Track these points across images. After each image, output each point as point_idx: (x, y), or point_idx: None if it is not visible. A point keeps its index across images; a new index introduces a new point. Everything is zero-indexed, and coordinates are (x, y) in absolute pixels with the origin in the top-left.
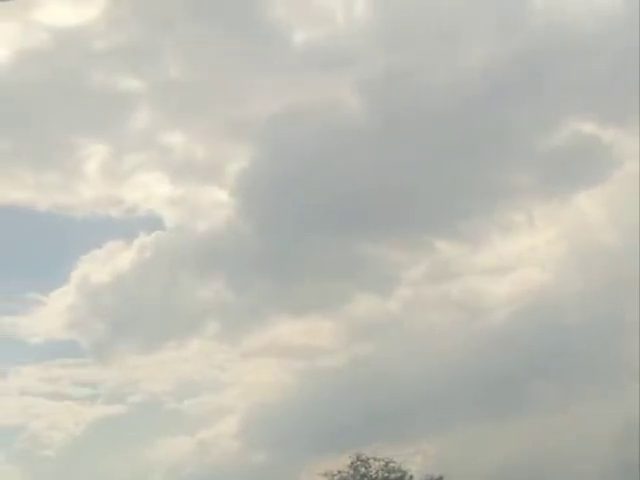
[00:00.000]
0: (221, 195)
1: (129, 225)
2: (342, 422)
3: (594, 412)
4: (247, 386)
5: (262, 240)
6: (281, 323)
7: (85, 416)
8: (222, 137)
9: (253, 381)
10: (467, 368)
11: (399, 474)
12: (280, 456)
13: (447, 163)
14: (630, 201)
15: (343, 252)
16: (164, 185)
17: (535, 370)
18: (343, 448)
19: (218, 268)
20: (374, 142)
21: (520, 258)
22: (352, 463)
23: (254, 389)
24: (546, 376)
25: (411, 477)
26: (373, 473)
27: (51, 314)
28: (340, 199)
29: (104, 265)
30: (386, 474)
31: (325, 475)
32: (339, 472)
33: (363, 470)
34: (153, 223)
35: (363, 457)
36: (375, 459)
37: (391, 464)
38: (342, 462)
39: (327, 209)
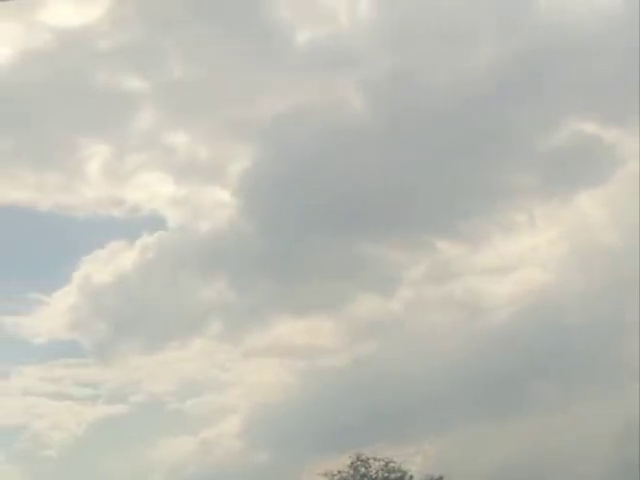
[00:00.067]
0: (223, 195)
1: (131, 225)
2: (344, 422)
3: (594, 412)
4: (249, 386)
5: (264, 240)
6: (283, 323)
7: (87, 416)
8: (225, 137)
9: (255, 381)
10: (468, 368)
11: (399, 474)
12: (282, 456)
13: (449, 163)
14: (631, 201)
15: (345, 252)
16: (167, 185)
17: (536, 370)
18: (345, 448)
19: (220, 268)
20: (376, 142)
21: (521, 258)
22: (352, 463)
23: (256, 389)
24: (547, 376)
25: (411, 477)
26: (373, 473)
27: (53, 314)
28: (342, 199)
29: (106, 265)
30: (386, 474)
31: (325, 475)
32: (339, 472)
33: (363, 470)
34: (156, 223)
35: (363, 457)
36: (375, 459)
37: (391, 464)
38: (343, 462)
39: (329, 209)
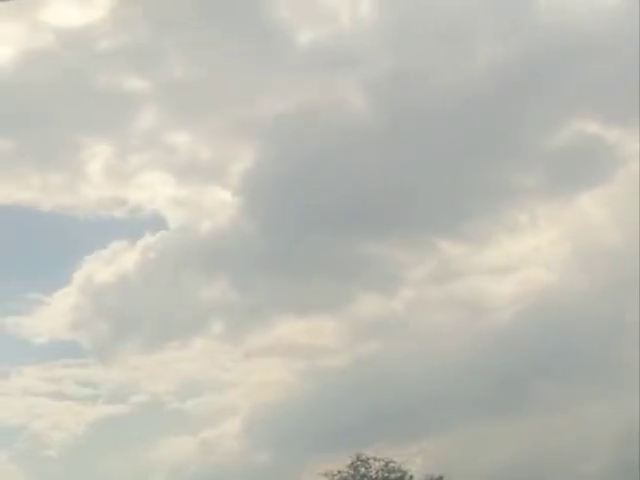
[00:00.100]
0: (225, 195)
1: (133, 225)
2: (345, 422)
3: (595, 412)
4: (250, 386)
5: (266, 240)
6: (285, 323)
7: (88, 416)
8: (227, 137)
9: (257, 381)
10: (470, 368)
11: (399, 474)
12: (283, 456)
13: (451, 163)
14: (633, 201)
15: (347, 252)
16: (168, 185)
17: (537, 370)
18: (346, 448)
19: (222, 268)
20: (378, 142)
21: (523, 258)
22: (352, 463)
23: (258, 389)
24: (548, 376)
25: (411, 477)
26: (373, 473)
27: (54, 314)
28: (344, 199)
29: (108, 265)
30: (386, 474)
31: (325, 475)
32: (339, 472)
33: (363, 470)
34: (157, 223)
35: (363, 457)
36: (375, 459)
37: (391, 464)
38: (343, 462)
39: (331, 209)
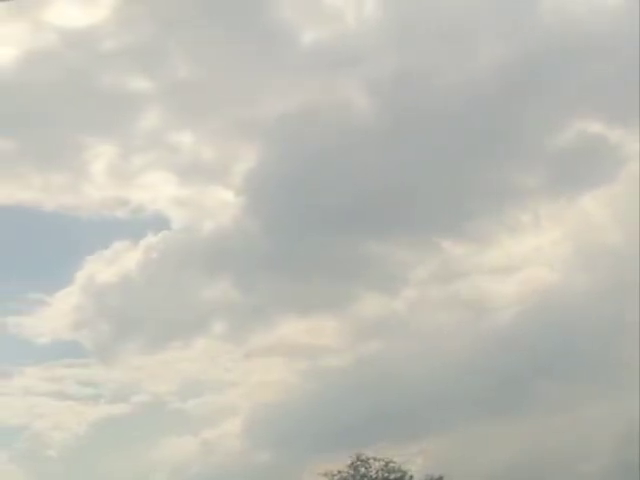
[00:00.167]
0: (228, 195)
1: (136, 225)
2: (346, 422)
3: (596, 412)
4: (253, 386)
5: (269, 240)
6: (287, 322)
7: (89, 416)
8: (230, 137)
9: (258, 381)
10: (472, 368)
11: (399, 474)
12: (284, 456)
13: (454, 163)
14: (635, 201)
15: (350, 252)
16: (171, 185)
17: (539, 370)
18: (347, 448)
19: (225, 268)
20: (382, 142)
21: (526, 258)
22: (352, 463)
23: (259, 389)
24: (549, 376)
25: (411, 477)
26: (373, 473)
27: (56, 314)
28: (347, 199)
29: (110, 265)
30: (386, 474)
31: (325, 475)
32: (339, 472)
33: (363, 470)
34: (160, 223)
35: (363, 457)
36: (375, 459)
37: (391, 464)
38: (343, 462)
39: (334, 209)
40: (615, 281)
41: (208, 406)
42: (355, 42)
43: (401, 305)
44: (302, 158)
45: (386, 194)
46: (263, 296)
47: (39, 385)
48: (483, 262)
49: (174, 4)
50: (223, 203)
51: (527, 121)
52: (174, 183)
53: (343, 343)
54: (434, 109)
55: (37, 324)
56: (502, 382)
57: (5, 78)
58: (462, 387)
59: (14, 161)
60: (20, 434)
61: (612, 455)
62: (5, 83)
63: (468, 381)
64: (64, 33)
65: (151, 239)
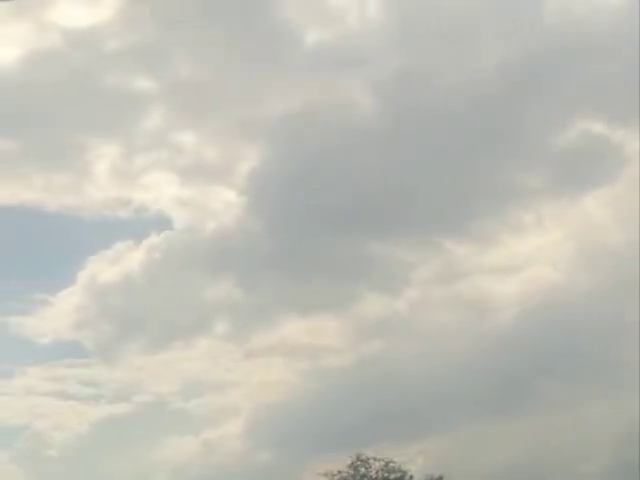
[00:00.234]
0: (230, 195)
1: (139, 225)
2: (348, 422)
3: (597, 412)
4: (254, 386)
5: (271, 240)
6: (289, 322)
7: (91, 416)
8: (233, 137)
9: (261, 381)
10: (474, 368)
11: (399, 474)
12: (285, 456)
13: (456, 163)
14: (637, 201)
15: (352, 252)
16: (174, 185)
17: (540, 369)
18: (348, 448)
19: (227, 268)
20: (384, 142)
21: (528, 258)
22: (352, 463)
23: (262, 389)
24: (551, 375)
25: (411, 477)
26: (373, 473)
27: (58, 314)
28: (350, 199)
29: (112, 265)
30: (386, 474)
31: (325, 475)
32: (339, 472)
33: (363, 470)
34: (162, 223)
35: (363, 457)
36: (375, 459)
37: (391, 464)
38: (345, 462)
39: (336, 209)
40: (617, 281)
41: (209, 406)
42: (358, 43)
43: (403, 305)
44: (305, 158)
45: (388, 194)
46: (265, 296)
47: (41, 385)
48: (485, 262)
49: (177, 4)
50: (226, 203)
51: (529, 121)
52: (177, 183)
53: (345, 343)
54: (437, 109)
55: (39, 324)
56: (503, 382)
57: (8, 78)
58: (463, 387)
59: (17, 161)
60: (21, 434)
61: (612, 455)
62: (8, 83)
63: (469, 381)
64: (67, 33)
65: (153, 239)
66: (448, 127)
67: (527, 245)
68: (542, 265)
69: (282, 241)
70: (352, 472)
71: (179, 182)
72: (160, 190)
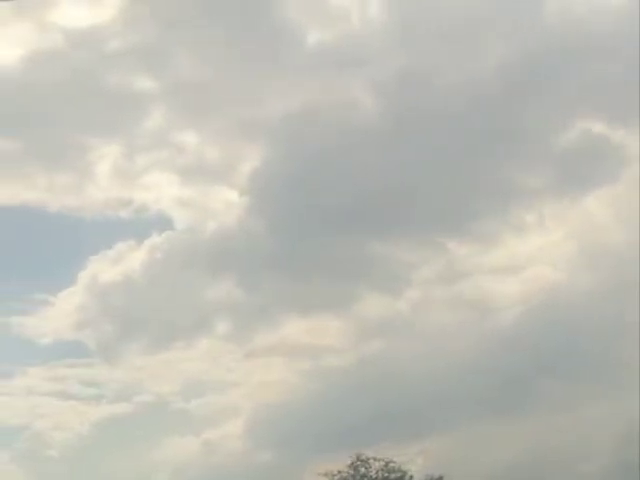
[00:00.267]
0: (232, 195)
1: (140, 226)
2: (349, 422)
3: (598, 412)
4: (256, 386)
5: (273, 240)
6: (290, 323)
7: (92, 416)
8: (234, 137)
9: (262, 381)
10: (475, 368)
11: (399, 474)
12: (286, 456)
13: (458, 163)
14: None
15: (354, 252)
16: (175, 185)
17: (541, 369)
18: (350, 448)
19: (228, 268)
20: (386, 142)
21: (530, 258)
22: (352, 463)
23: (263, 389)
24: (552, 375)
25: (411, 477)
26: (373, 473)
27: (59, 314)
28: (351, 199)
29: (113, 265)
30: (386, 474)
31: (325, 475)
32: (339, 472)
33: (363, 470)
34: (164, 223)
35: (363, 457)
36: (375, 459)
37: (391, 464)
38: (345, 462)
39: (338, 209)
40: (617, 281)
41: (210, 406)
42: (359, 43)
43: (404, 305)
44: (306, 158)
45: (390, 194)
46: (266, 296)
47: (41, 385)
48: (486, 262)
49: (178, 4)
50: (227, 203)
51: (530, 121)
52: (178, 183)
53: (346, 343)
54: (438, 109)
55: (40, 324)
56: (504, 382)
57: (10, 78)
58: (464, 387)
59: (19, 161)
60: (22, 434)
61: (612, 455)
62: (10, 83)
63: (470, 381)
64: (69, 33)
65: (155, 239)
66: (449, 127)
67: (528, 245)
68: (543, 265)
69: (283, 241)
70: (352, 472)
71: (180, 182)
72: (161, 190)
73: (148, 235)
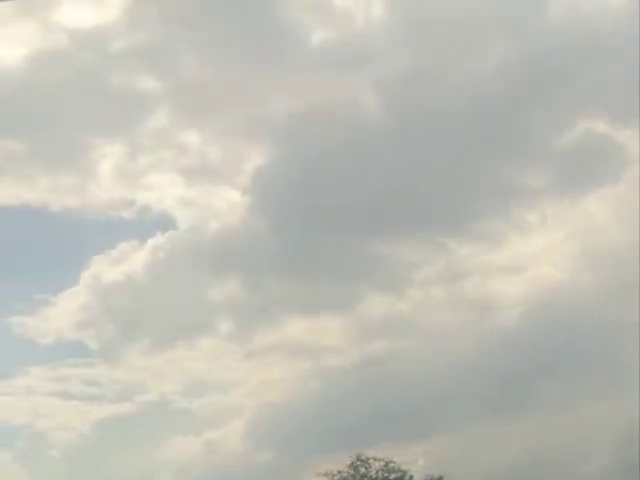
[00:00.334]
0: (235, 195)
1: (142, 226)
2: (350, 422)
3: (598, 412)
4: (257, 386)
5: (275, 240)
6: (292, 322)
7: (93, 416)
8: (237, 137)
9: (264, 381)
10: (476, 368)
11: (399, 474)
12: (286, 456)
13: (460, 163)
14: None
15: (356, 251)
16: (178, 185)
17: (543, 369)
18: (350, 448)
19: (231, 268)
20: (389, 142)
21: (532, 258)
22: (352, 463)
23: (265, 389)
24: (553, 375)
25: (411, 477)
26: (373, 473)
27: (61, 314)
28: (354, 199)
29: (116, 266)
30: (386, 474)
31: (325, 475)
32: (339, 472)
33: (363, 470)
34: (166, 223)
35: (363, 457)
36: (375, 459)
37: (391, 464)
38: (346, 462)
39: (340, 209)
40: (618, 281)
41: (212, 406)
42: (363, 42)
43: (406, 305)
44: (309, 158)
45: (392, 194)
46: (269, 296)
47: (43, 385)
48: (488, 262)
49: (183, 4)
50: (230, 203)
51: (533, 121)
52: (181, 183)
53: (347, 343)
54: (441, 109)
55: (41, 324)
56: (505, 382)
57: (14, 78)
58: (465, 387)
59: (21, 162)
60: (24, 434)
61: (612, 455)
62: (14, 83)
63: (471, 381)
64: (73, 33)
65: (157, 239)
66: (452, 127)
67: (530, 245)
68: (544, 265)
69: (286, 241)
70: (352, 472)
71: (183, 182)
72: (164, 190)
73: (151, 235)
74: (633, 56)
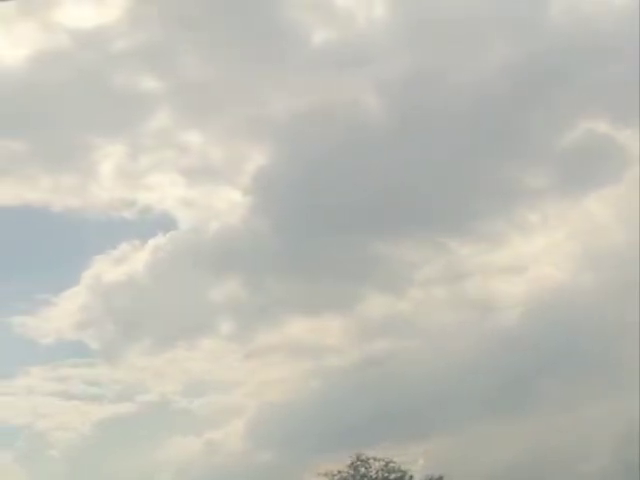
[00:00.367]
0: (236, 195)
1: (143, 226)
2: (350, 422)
3: (598, 412)
4: (258, 386)
5: (276, 240)
6: (293, 322)
7: (94, 416)
8: (239, 137)
9: (264, 381)
10: (477, 368)
11: (399, 474)
12: (287, 456)
13: (462, 163)
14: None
15: (357, 252)
16: (179, 185)
17: (543, 369)
18: (351, 448)
19: (232, 268)
20: (391, 142)
21: (533, 258)
22: (352, 463)
23: (265, 389)
24: (554, 375)
25: (411, 477)
26: (373, 473)
27: (62, 314)
28: (355, 199)
29: (117, 266)
30: (386, 474)
31: (325, 475)
32: (339, 472)
33: (363, 470)
34: (168, 223)
35: (363, 457)
36: (375, 459)
37: (391, 464)
38: (346, 462)
39: (341, 209)
40: (619, 281)
41: (213, 406)
42: (364, 42)
43: (407, 305)
44: (310, 158)
45: (394, 194)
46: (270, 296)
47: (44, 385)
48: (489, 262)
49: (184, 4)
50: (231, 203)
51: (534, 121)
52: (182, 183)
53: (348, 343)
54: (443, 109)
55: (42, 324)
56: (505, 382)
57: (15, 78)
58: (465, 387)
59: (23, 162)
60: (24, 434)
61: (612, 455)
62: (15, 83)
63: (471, 381)
64: (74, 33)
65: (159, 239)
66: (453, 127)
67: (531, 245)
68: (545, 265)
69: (287, 241)
70: (352, 472)
71: (184, 182)
72: (165, 190)
73: (152, 235)
74: (633, 56)
